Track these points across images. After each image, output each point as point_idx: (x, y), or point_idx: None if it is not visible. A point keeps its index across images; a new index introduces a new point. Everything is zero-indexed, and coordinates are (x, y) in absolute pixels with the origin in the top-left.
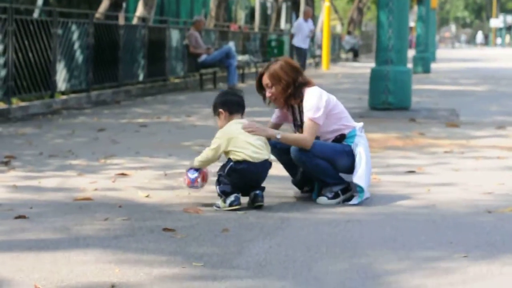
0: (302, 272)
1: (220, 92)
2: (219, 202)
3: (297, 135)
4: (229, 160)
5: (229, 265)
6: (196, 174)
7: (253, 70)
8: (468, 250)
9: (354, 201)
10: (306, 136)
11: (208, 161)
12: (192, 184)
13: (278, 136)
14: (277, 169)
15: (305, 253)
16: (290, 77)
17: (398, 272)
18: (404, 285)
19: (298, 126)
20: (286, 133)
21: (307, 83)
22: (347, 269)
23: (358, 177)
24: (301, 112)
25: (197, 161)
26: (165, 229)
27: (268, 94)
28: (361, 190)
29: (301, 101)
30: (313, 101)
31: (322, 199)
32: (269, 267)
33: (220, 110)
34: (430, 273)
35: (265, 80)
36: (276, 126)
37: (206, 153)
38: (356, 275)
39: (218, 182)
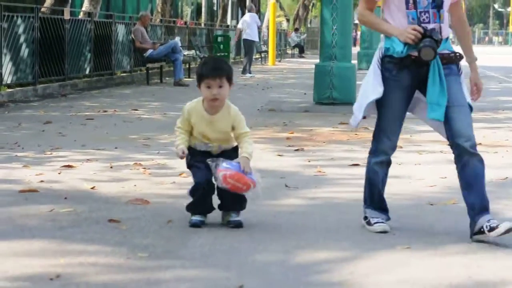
0: (246, 263)
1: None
2: None
3: (468, 34)
4: None
5: (174, 256)
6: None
7: None
8: (411, 241)
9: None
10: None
11: None
12: (256, 184)
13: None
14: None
15: (250, 244)
16: None
17: (341, 263)
18: (344, 276)
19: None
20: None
21: None
22: (290, 259)
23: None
24: None
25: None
26: (111, 220)
27: None
28: None
29: None
30: None
31: None
32: (213, 258)
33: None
34: (372, 264)
35: None
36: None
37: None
38: (299, 266)
39: None
